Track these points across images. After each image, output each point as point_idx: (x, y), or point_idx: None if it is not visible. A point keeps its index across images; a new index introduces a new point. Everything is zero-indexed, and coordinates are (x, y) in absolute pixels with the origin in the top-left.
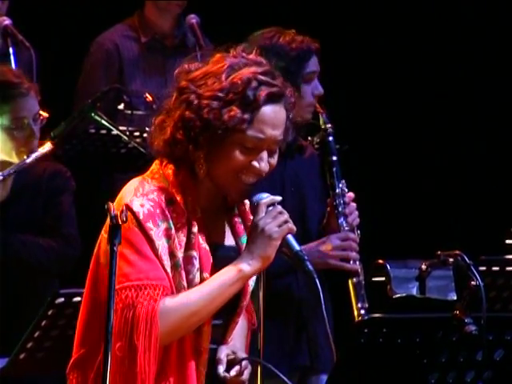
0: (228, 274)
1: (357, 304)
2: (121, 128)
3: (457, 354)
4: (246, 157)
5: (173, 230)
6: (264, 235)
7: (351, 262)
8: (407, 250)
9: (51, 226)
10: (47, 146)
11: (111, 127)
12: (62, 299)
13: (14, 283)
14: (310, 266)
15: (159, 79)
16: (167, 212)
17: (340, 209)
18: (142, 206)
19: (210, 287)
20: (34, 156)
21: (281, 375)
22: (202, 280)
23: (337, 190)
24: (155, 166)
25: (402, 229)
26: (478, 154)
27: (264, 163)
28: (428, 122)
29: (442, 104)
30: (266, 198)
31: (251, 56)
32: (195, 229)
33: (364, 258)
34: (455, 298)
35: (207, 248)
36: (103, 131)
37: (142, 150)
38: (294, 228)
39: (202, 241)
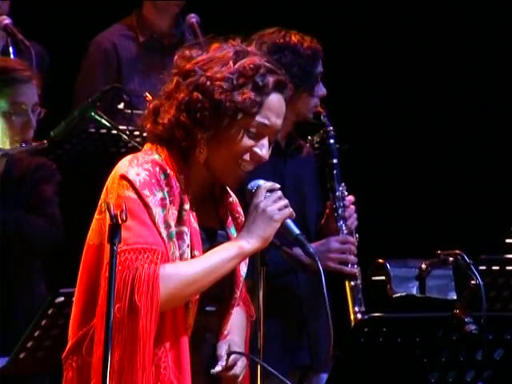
0: (228, 249)
1: (353, 307)
2: (121, 127)
3: (457, 354)
4: (248, 142)
5: (167, 201)
6: (265, 216)
7: (349, 265)
8: (407, 250)
9: (34, 207)
10: (41, 143)
11: (111, 126)
12: (62, 298)
13: (4, 281)
14: (311, 249)
15: (157, 78)
16: (162, 183)
17: (339, 212)
18: (137, 174)
19: (210, 260)
20: (26, 147)
21: (275, 372)
22: (193, 257)
23: (337, 193)
24: (147, 146)
25: (402, 228)
26: (478, 153)
27: (265, 150)
28: (428, 121)
29: (442, 104)
30: (264, 183)
31: (251, 47)
32: (187, 206)
33: (364, 258)
34: (455, 297)
35: (197, 228)
36: (103, 130)
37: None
38: (294, 213)
39: (192, 219)
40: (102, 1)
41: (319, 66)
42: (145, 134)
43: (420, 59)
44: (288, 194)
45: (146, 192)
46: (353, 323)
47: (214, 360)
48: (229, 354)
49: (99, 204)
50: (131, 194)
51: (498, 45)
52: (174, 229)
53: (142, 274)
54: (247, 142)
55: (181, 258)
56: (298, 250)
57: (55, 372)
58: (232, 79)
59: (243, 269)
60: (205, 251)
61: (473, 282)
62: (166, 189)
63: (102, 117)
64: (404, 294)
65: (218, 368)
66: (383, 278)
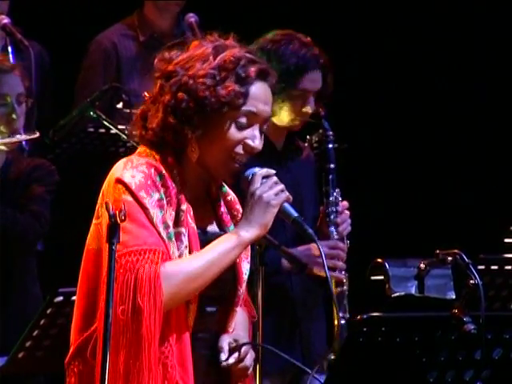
0: (228, 240)
1: (338, 313)
2: (119, 127)
3: (456, 353)
4: (239, 134)
5: (164, 201)
6: (262, 202)
7: (337, 271)
8: (406, 249)
9: (22, 204)
10: (33, 133)
11: (110, 126)
12: (61, 298)
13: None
14: (310, 230)
15: None
16: (158, 183)
17: (332, 217)
18: (133, 177)
19: (211, 253)
20: (16, 137)
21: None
22: None
23: (330, 198)
24: (141, 149)
25: (401, 227)
26: (477, 152)
27: (258, 140)
28: (427, 121)
29: (442, 103)
30: (260, 170)
31: (229, 41)
32: (184, 206)
33: (363, 257)
34: (454, 296)
35: (195, 228)
36: (102, 130)
37: None
38: (290, 197)
39: (190, 220)
40: (104, 1)
41: (303, 80)
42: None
43: (420, 58)
44: None
45: (143, 194)
46: (336, 329)
47: (216, 353)
48: (240, 345)
49: (96, 209)
50: (127, 197)
51: (499, 44)
52: (172, 230)
53: (144, 275)
54: (238, 134)
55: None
56: (295, 251)
57: (50, 373)
58: (214, 74)
59: (245, 266)
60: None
61: (471, 281)
62: (162, 190)
63: (100, 116)
64: (403, 293)
65: (232, 360)
66: (382, 277)
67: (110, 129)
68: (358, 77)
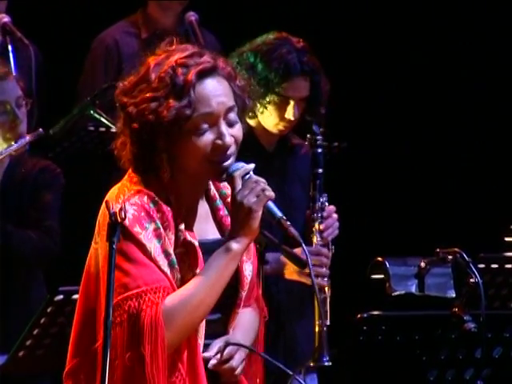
0: (219, 257)
1: (319, 320)
2: None
3: (456, 352)
4: (206, 139)
5: (161, 229)
6: (244, 209)
7: (319, 278)
8: (406, 248)
9: (34, 218)
10: (37, 132)
11: (110, 125)
12: (61, 297)
13: (2, 280)
14: (295, 232)
15: None
16: (152, 212)
17: (316, 223)
18: (123, 204)
19: (206, 275)
20: (22, 141)
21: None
22: (194, 275)
23: (317, 204)
24: (131, 173)
25: (402, 226)
26: (477, 151)
27: (227, 137)
28: (427, 119)
29: (442, 101)
30: (240, 168)
31: (174, 46)
32: (182, 226)
33: (363, 256)
34: (454, 295)
35: (196, 244)
36: (102, 129)
37: None
38: (273, 194)
39: (189, 237)
40: (108, 0)
41: (287, 87)
42: None
43: (420, 56)
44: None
45: (137, 229)
46: (316, 336)
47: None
48: (225, 345)
49: (94, 234)
50: (121, 235)
51: (499, 44)
52: (173, 256)
53: (145, 319)
54: (204, 140)
55: (183, 280)
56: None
57: (57, 373)
58: (155, 97)
59: (248, 268)
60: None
61: (472, 280)
62: (157, 217)
63: (100, 115)
64: (403, 292)
65: (213, 361)
66: (382, 276)
67: (111, 127)
68: (357, 75)
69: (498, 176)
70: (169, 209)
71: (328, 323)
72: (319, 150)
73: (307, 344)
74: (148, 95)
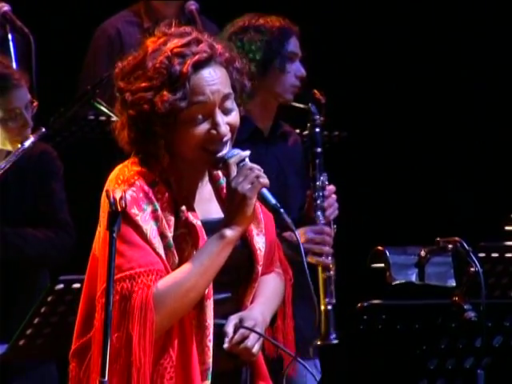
0: (213, 242)
1: (324, 299)
2: None
3: (456, 341)
4: (201, 129)
5: (159, 211)
6: (238, 196)
7: (323, 256)
8: (407, 237)
9: (45, 214)
10: (40, 131)
11: (110, 114)
12: (62, 286)
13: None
14: (288, 219)
15: None
16: (151, 194)
17: (318, 202)
18: (124, 192)
19: (199, 260)
20: (29, 142)
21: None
22: None
23: (317, 183)
24: (133, 154)
25: (402, 215)
26: (477, 141)
27: (222, 127)
28: (427, 109)
29: (441, 92)
30: (235, 155)
31: (173, 29)
32: (183, 207)
33: (364, 245)
34: (454, 284)
35: (199, 224)
36: (102, 118)
37: None
38: (267, 181)
39: (192, 217)
40: None
41: (290, 45)
42: None
43: (420, 49)
44: (270, 182)
45: (135, 210)
46: (322, 315)
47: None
48: (236, 328)
49: (99, 218)
50: None
51: (499, 44)
52: (170, 238)
53: (135, 303)
54: (199, 129)
55: (187, 260)
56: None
57: (63, 360)
58: (151, 86)
59: (260, 240)
60: None
61: (472, 269)
62: (156, 199)
63: (101, 104)
64: (403, 281)
65: (225, 344)
66: (383, 265)
67: (111, 116)
68: (357, 66)
69: (498, 165)
70: (169, 190)
71: (334, 301)
72: (317, 130)
73: (308, 326)
74: (143, 84)
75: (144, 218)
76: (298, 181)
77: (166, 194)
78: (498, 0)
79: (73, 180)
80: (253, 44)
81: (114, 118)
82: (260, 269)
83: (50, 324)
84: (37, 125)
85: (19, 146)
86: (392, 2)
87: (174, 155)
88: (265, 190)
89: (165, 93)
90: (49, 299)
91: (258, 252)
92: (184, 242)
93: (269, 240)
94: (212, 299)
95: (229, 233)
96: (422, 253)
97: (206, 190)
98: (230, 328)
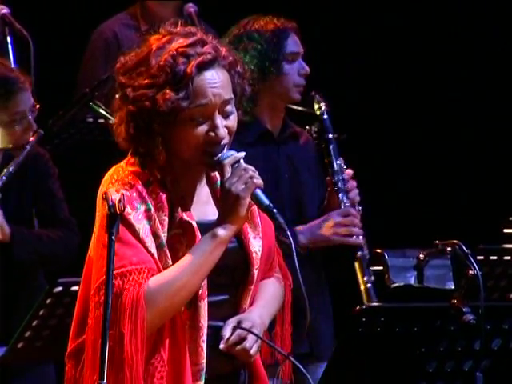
0: (206, 242)
1: (363, 278)
2: None
3: (455, 343)
4: (200, 130)
5: (153, 211)
6: (232, 196)
7: (354, 237)
8: (405, 239)
9: (48, 214)
10: (38, 134)
11: (109, 116)
12: (60, 288)
13: (3, 273)
14: (281, 219)
15: None
16: (145, 194)
17: (340, 185)
18: (117, 191)
19: (191, 259)
20: (29, 146)
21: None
22: None
23: (335, 167)
24: (129, 154)
25: (400, 218)
26: (477, 143)
27: (221, 130)
28: (426, 111)
29: (441, 94)
30: (230, 156)
31: (179, 28)
32: (178, 208)
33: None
34: (453, 287)
35: (194, 225)
36: (101, 120)
37: None
38: (261, 181)
39: (186, 218)
40: None
41: (288, 45)
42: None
43: (420, 51)
44: (283, 182)
45: (128, 209)
46: (363, 294)
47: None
48: (233, 329)
49: (96, 221)
50: None
51: (499, 44)
52: (163, 238)
53: (127, 299)
54: (198, 130)
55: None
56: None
57: (61, 362)
58: (154, 84)
59: (256, 244)
60: None
61: (471, 271)
62: (150, 198)
63: (99, 106)
64: (402, 284)
65: (222, 345)
66: (381, 267)
67: (109, 119)
68: (357, 68)
69: (497, 167)
70: (164, 190)
71: (373, 279)
72: (325, 117)
73: (329, 332)
74: (146, 81)
75: (137, 216)
76: (313, 179)
77: (161, 194)
78: (498, 0)
79: (71, 183)
80: (247, 53)
81: (113, 121)
82: (256, 272)
83: (49, 326)
84: None
85: (23, 148)
86: (392, 2)
87: (170, 154)
88: (258, 191)
89: (167, 91)
90: (47, 302)
91: (254, 255)
92: (178, 243)
93: (267, 245)
94: (206, 300)
95: (221, 232)
96: (421, 255)
97: (203, 192)
98: (227, 330)
